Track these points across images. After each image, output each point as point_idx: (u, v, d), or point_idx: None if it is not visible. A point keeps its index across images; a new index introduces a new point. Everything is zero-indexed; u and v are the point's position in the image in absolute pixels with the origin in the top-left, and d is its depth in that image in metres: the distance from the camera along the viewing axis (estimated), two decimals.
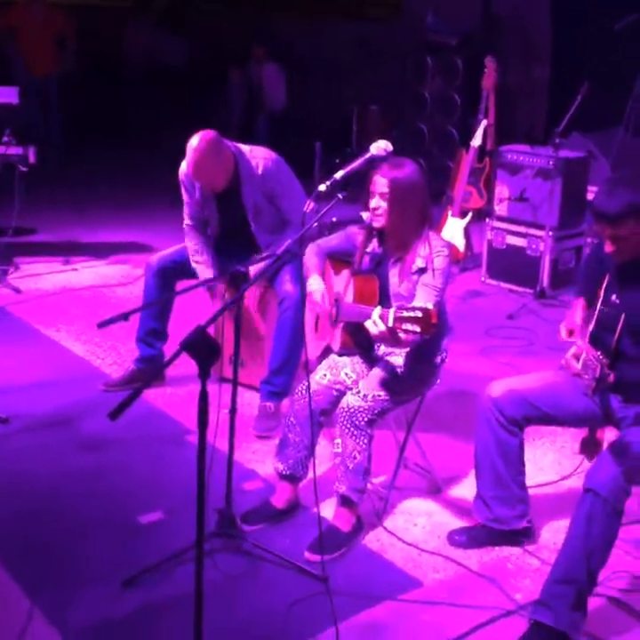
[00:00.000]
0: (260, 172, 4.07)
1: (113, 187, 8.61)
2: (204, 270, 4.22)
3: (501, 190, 6.36)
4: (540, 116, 8.64)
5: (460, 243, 6.55)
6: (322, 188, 2.79)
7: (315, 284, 3.40)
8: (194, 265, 4.25)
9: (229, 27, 11.23)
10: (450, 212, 6.59)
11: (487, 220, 6.45)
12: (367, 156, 2.97)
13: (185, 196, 4.26)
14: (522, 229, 6.23)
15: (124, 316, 2.73)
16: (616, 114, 7.02)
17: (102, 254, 6.66)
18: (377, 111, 9.17)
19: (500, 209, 6.36)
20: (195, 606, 2.38)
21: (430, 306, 2.84)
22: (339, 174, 2.85)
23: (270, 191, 4.10)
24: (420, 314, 2.75)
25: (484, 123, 6.56)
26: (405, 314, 2.78)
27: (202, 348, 2.18)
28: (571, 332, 3.15)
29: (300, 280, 3.47)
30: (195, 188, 4.15)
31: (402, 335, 2.84)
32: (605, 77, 7.05)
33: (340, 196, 2.77)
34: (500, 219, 6.36)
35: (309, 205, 2.80)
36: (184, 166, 4.09)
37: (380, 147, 2.98)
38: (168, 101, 10.55)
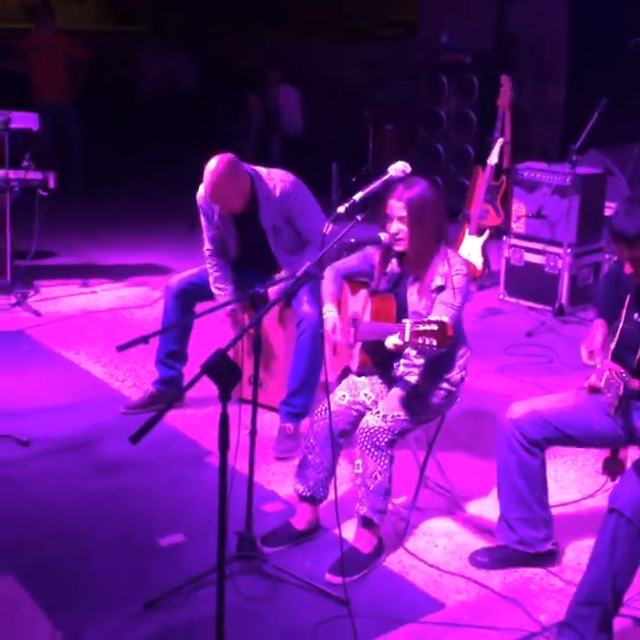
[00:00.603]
0: (277, 193, 4.09)
1: (131, 210, 8.66)
2: (223, 299, 4.24)
3: (518, 208, 6.35)
4: (556, 134, 8.63)
5: (477, 260, 6.54)
6: (341, 209, 2.80)
7: (328, 313, 3.40)
8: (214, 291, 4.27)
9: (242, 49, 11.33)
10: (467, 230, 6.59)
11: (504, 237, 6.44)
12: (386, 177, 2.98)
13: (203, 221, 4.28)
14: (540, 246, 6.21)
15: (144, 339, 2.74)
16: (633, 130, 7.01)
17: (121, 277, 6.68)
18: (392, 131, 9.19)
19: (518, 226, 6.35)
20: (216, 631, 2.36)
21: (445, 319, 2.84)
22: (357, 196, 2.86)
23: (288, 212, 4.12)
24: (435, 327, 2.78)
25: (500, 141, 6.56)
26: (422, 328, 2.80)
27: (222, 371, 2.19)
28: (591, 353, 3.13)
29: (319, 301, 3.48)
30: (213, 211, 4.17)
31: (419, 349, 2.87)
32: (622, 94, 7.04)
33: (358, 217, 2.78)
34: (518, 236, 6.34)
35: (329, 227, 2.81)
36: (201, 190, 4.11)
37: (398, 168, 2.99)
38: (185, 125, 10.63)
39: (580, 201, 5.97)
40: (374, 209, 3.08)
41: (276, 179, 4.12)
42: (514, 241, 6.36)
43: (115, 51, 11.32)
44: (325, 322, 3.38)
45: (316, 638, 2.86)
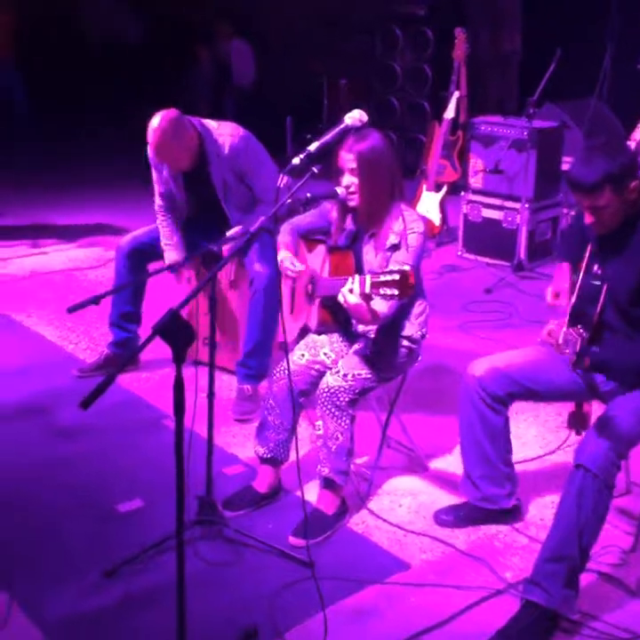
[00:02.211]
0: (227, 149, 3.96)
1: (80, 169, 8.44)
2: (172, 253, 4.13)
3: (476, 163, 6.28)
4: (512, 86, 8.57)
5: (435, 217, 6.48)
6: (295, 161, 2.69)
7: (283, 254, 3.29)
8: (163, 247, 4.15)
9: (191, 1, 11.00)
10: (424, 187, 6.52)
11: (462, 193, 6.37)
12: (342, 126, 2.87)
13: (154, 174, 4.15)
14: (498, 202, 6.16)
15: (95, 300, 2.63)
16: (589, 84, 6.96)
17: (72, 237, 6.51)
18: (347, 85, 9.04)
19: (475, 182, 6.29)
20: (177, 597, 2.30)
21: (407, 268, 2.74)
22: (313, 147, 2.75)
23: (239, 169, 3.99)
24: (397, 276, 2.68)
25: (456, 95, 6.47)
26: (382, 278, 2.70)
27: (175, 331, 2.09)
28: (557, 295, 3.10)
29: (275, 260, 3.37)
30: (162, 165, 4.04)
31: (379, 302, 2.75)
32: (578, 45, 6.98)
33: (314, 169, 2.67)
34: (476, 192, 6.29)
35: (283, 180, 2.71)
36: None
37: (354, 117, 2.88)
38: (133, 80, 10.34)
39: (538, 155, 5.92)
40: (330, 162, 2.98)
41: (225, 133, 3.98)
42: (472, 196, 6.30)
43: (58, 4, 10.93)
44: (281, 262, 3.27)
45: (279, 602, 2.82)
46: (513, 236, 5.99)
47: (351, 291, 2.82)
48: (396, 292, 2.68)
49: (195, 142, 3.92)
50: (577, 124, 6.87)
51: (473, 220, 6.30)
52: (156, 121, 3.82)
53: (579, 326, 2.72)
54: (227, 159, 3.97)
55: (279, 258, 3.30)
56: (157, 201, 4.19)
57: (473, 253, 6.29)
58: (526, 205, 5.93)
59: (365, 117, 2.89)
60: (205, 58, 9.89)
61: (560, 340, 2.67)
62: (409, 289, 2.68)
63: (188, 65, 9.93)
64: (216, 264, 2.90)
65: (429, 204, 6.48)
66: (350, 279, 2.82)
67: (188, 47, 9.99)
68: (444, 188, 6.49)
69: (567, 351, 2.66)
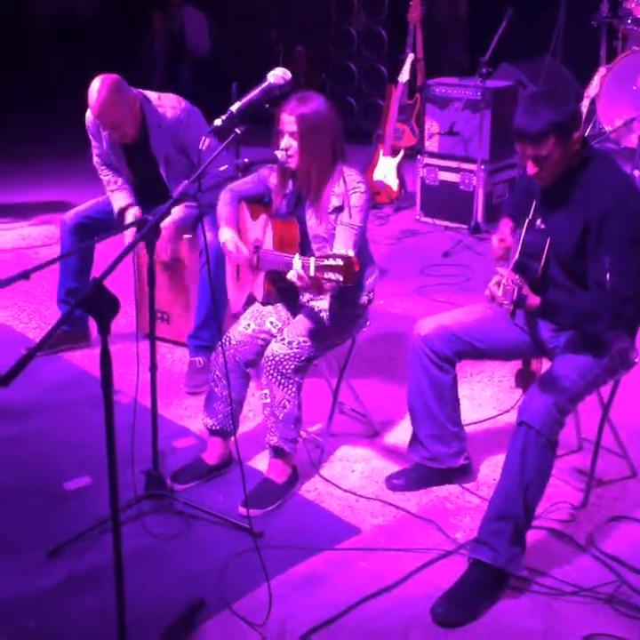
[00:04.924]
0: (168, 120, 3.88)
1: (32, 145, 8.28)
2: (119, 196, 4.06)
3: (431, 125, 6.22)
4: (465, 46, 8.50)
5: (393, 182, 6.43)
6: (217, 122, 2.62)
7: (226, 234, 3.25)
8: (109, 194, 4.09)
9: None
10: (381, 151, 6.45)
11: (418, 156, 6.31)
12: (264, 85, 2.80)
13: (93, 142, 4.08)
14: (454, 164, 6.12)
15: (25, 275, 2.54)
16: (544, 42, 6.92)
17: (23, 215, 6.39)
18: (303, 52, 8.94)
19: (431, 144, 6.23)
20: (114, 574, 2.26)
21: (351, 253, 2.72)
22: (234, 107, 2.68)
23: (181, 141, 3.91)
24: (341, 262, 2.65)
25: (410, 57, 6.40)
26: (326, 262, 2.67)
27: (99, 303, 2.04)
28: (501, 240, 3.07)
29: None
30: (102, 137, 3.95)
31: (325, 284, 2.74)
32: (532, 5, 6.93)
33: (237, 130, 2.60)
34: (432, 155, 6.24)
35: (205, 142, 2.64)
36: (89, 114, 3.89)
37: (277, 74, 2.81)
38: (84, 51, 10.14)
39: (492, 115, 5.87)
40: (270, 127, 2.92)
41: (166, 105, 3.90)
42: (428, 160, 6.25)
43: None
44: (225, 245, 3.23)
45: (227, 573, 2.79)
46: (470, 199, 5.95)
47: (297, 274, 2.78)
48: (341, 278, 2.67)
49: (137, 106, 3.85)
50: (533, 83, 6.84)
51: (430, 183, 6.24)
52: (97, 82, 3.74)
53: (517, 276, 2.67)
54: (167, 130, 3.89)
55: (222, 239, 3.25)
56: (95, 158, 4.13)
57: (431, 217, 6.24)
58: (482, 167, 5.88)
59: (289, 75, 2.82)
60: (159, 26, 9.72)
61: (499, 293, 2.63)
62: (353, 275, 2.67)
63: (142, 34, 9.76)
64: (154, 235, 2.84)
65: (386, 168, 6.42)
66: (295, 261, 2.77)
67: (141, 17, 9.81)
68: (401, 153, 6.43)
69: (505, 302, 2.62)
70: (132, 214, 4.01)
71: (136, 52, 9.61)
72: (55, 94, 9.71)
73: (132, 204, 4.03)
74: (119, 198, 4.06)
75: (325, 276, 2.68)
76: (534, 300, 2.67)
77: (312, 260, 2.71)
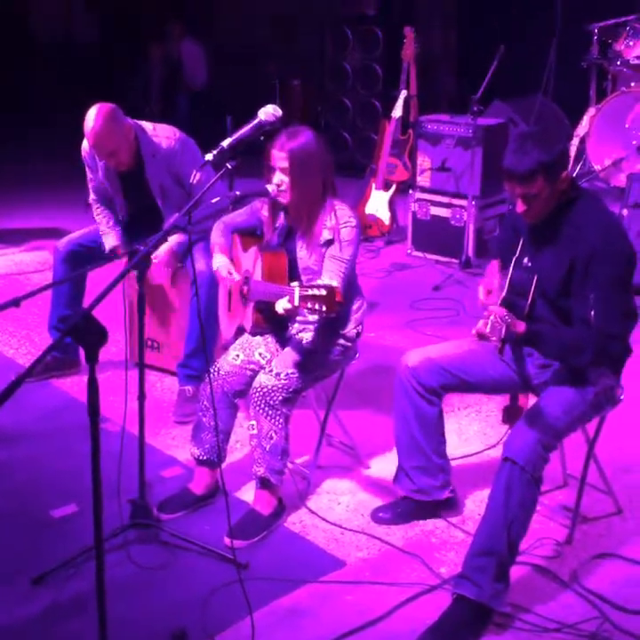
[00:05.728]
0: (162, 150, 3.93)
1: (26, 170, 8.31)
2: (110, 237, 4.12)
3: (423, 161, 6.29)
4: (461, 84, 8.61)
5: (384, 216, 6.49)
6: (209, 157, 2.66)
7: (219, 260, 3.29)
8: (101, 233, 4.14)
9: (144, 2, 10.93)
10: (374, 185, 6.52)
11: (411, 191, 6.38)
12: (255, 122, 2.84)
13: (89, 174, 4.11)
14: (445, 200, 6.17)
15: (16, 302, 2.56)
16: (536, 79, 7.01)
17: (16, 241, 6.42)
18: (299, 86, 9.03)
19: (423, 180, 6.29)
20: (97, 603, 2.27)
21: (335, 283, 2.76)
22: (225, 143, 2.72)
23: (176, 171, 3.95)
24: (324, 292, 2.69)
25: (403, 93, 6.49)
26: (310, 292, 2.70)
27: (87, 332, 2.06)
28: (489, 292, 3.10)
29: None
30: (98, 166, 3.99)
31: (308, 315, 2.78)
32: (523, 44, 7.04)
33: (228, 165, 2.65)
34: (424, 190, 6.29)
35: (196, 177, 2.68)
36: (85, 143, 3.93)
37: (268, 112, 2.85)
38: (84, 80, 10.22)
39: (483, 152, 5.94)
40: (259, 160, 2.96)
41: (161, 135, 3.95)
42: (420, 194, 6.30)
43: (5, 2, 10.77)
44: (218, 271, 3.27)
45: (211, 604, 2.78)
46: (461, 234, 6.00)
47: (284, 308, 2.83)
48: (324, 308, 2.70)
49: (132, 135, 3.89)
50: (524, 121, 6.92)
51: (421, 218, 6.30)
52: (93, 111, 3.79)
53: (505, 313, 2.70)
54: (162, 160, 3.93)
55: (215, 265, 3.29)
56: (91, 196, 4.17)
57: (422, 251, 6.28)
58: (473, 203, 5.94)
59: (279, 112, 2.87)
60: (157, 58, 9.82)
61: (487, 330, 2.66)
62: (336, 305, 2.70)
63: (140, 65, 9.86)
64: (146, 264, 2.87)
65: (379, 202, 6.48)
66: (285, 298, 2.82)
67: (140, 47, 9.92)
68: (393, 187, 6.49)
69: (493, 339, 2.65)
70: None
71: (133, 82, 9.69)
72: (51, 121, 9.79)
73: (119, 246, 4.10)
74: (110, 239, 4.14)
75: (308, 305, 2.72)
76: (520, 327, 2.70)
77: (296, 288, 2.75)
